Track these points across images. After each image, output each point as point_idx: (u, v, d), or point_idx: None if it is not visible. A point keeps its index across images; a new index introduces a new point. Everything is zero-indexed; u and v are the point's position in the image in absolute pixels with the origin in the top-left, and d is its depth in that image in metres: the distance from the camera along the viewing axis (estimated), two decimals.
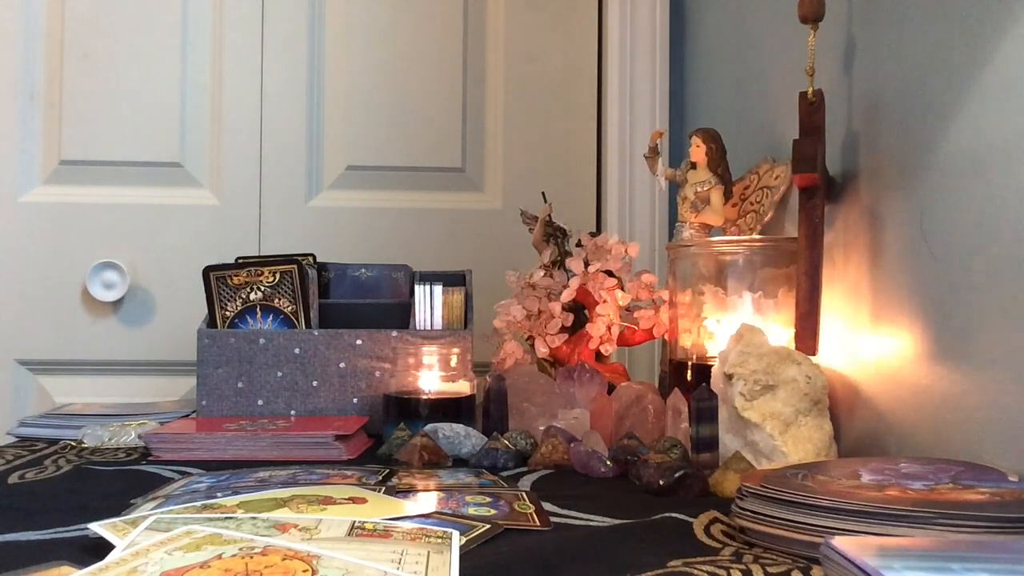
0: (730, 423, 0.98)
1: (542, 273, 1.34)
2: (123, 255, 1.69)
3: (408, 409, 1.15)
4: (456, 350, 1.21)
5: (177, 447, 1.06)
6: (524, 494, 0.84)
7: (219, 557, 0.57)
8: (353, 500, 0.77)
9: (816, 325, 1.01)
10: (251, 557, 0.57)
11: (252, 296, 1.27)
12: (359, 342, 1.24)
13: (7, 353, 1.68)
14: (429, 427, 1.07)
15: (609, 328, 1.26)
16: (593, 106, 1.80)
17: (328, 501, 0.76)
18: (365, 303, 1.34)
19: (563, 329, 1.30)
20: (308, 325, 1.27)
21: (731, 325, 1.06)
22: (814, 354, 1.00)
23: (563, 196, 1.64)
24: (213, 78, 1.73)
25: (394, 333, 1.24)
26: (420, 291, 1.29)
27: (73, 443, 1.12)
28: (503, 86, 1.79)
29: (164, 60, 1.72)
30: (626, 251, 1.29)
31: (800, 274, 1.02)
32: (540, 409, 1.14)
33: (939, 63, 0.88)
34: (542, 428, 1.09)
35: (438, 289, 1.30)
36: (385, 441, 1.09)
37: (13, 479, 0.92)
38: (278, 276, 1.28)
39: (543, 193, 1.44)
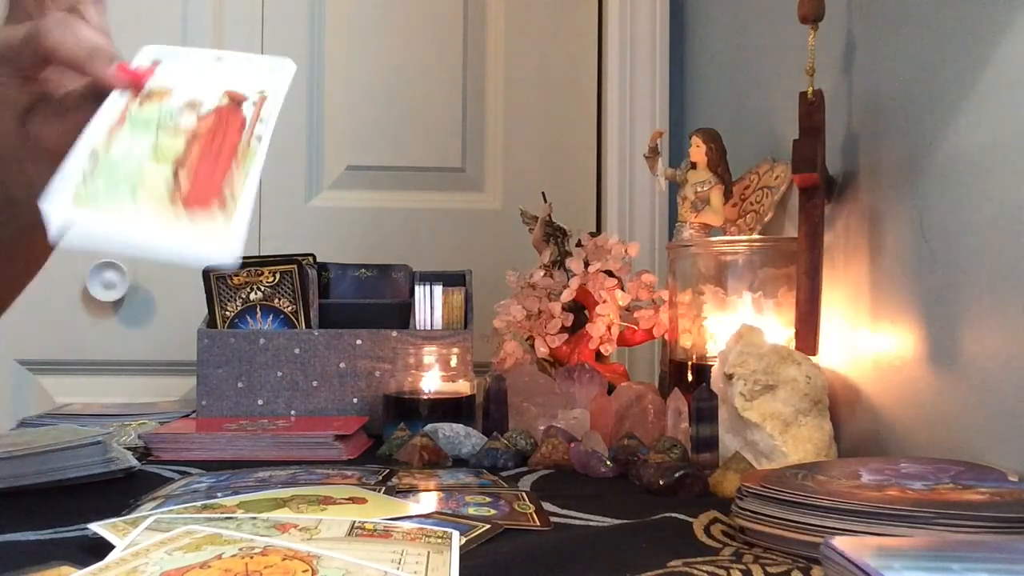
0: (730, 423, 0.98)
1: (542, 273, 1.34)
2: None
3: (408, 409, 1.15)
4: (456, 350, 1.21)
5: (177, 447, 1.06)
6: (524, 494, 0.84)
7: (219, 557, 0.57)
8: (353, 500, 0.77)
9: (816, 325, 1.01)
10: (251, 557, 0.57)
11: (252, 296, 1.27)
12: (359, 342, 1.24)
13: (7, 353, 1.68)
14: (429, 427, 1.06)
15: (609, 328, 1.26)
16: (593, 106, 1.80)
17: (328, 501, 0.76)
18: (365, 303, 1.34)
19: (563, 329, 1.30)
20: (308, 325, 1.27)
21: (731, 325, 1.05)
22: (814, 354, 1.00)
23: (563, 196, 1.63)
24: None
25: (394, 333, 1.24)
26: (420, 291, 1.29)
27: None
28: (503, 86, 1.79)
29: None
30: (626, 251, 1.29)
31: (800, 274, 1.02)
32: (540, 409, 1.14)
33: (939, 63, 0.88)
34: (542, 428, 1.08)
35: (438, 289, 1.29)
36: (385, 441, 1.09)
37: None
38: (278, 276, 1.28)
39: (543, 193, 1.44)
